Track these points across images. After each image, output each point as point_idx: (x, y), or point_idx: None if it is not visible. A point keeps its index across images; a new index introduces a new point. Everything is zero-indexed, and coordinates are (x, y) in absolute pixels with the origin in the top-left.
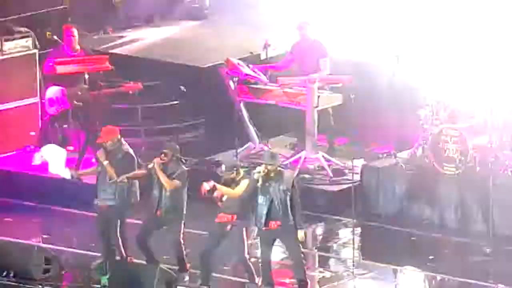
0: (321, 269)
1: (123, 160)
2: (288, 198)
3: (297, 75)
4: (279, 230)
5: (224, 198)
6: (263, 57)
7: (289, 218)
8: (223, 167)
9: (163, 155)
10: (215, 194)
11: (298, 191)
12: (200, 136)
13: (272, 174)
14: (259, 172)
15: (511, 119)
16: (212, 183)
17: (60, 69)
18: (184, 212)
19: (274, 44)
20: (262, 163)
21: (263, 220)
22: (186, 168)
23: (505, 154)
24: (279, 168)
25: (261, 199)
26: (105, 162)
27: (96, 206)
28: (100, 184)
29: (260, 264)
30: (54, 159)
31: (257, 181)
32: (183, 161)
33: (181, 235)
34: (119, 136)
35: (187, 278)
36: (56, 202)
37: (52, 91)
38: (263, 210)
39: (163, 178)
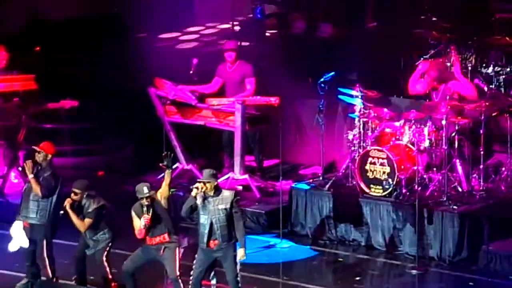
0: None
1: (48, 179)
2: (226, 218)
3: (224, 96)
4: (217, 249)
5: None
6: (191, 77)
7: (227, 237)
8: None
9: (73, 194)
10: (143, 223)
11: (239, 210)
12: (128, 156)
13: (211, 193)
14: (197, 188)
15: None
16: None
17: None
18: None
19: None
20: (200, 181)
21: (205, 239)
22: (101, 203)
23: (430, 176)
24: (218, 187)
25: (202, 218)
26: (31, 176)
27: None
28: (23, 201)
29: (190, 283)
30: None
31: (195, 198)
32: (94, 197)
33: (105, 255)
34: (50, 156)
35: None
36: None
37: None
38: (205, 229)
39: (74, 220)
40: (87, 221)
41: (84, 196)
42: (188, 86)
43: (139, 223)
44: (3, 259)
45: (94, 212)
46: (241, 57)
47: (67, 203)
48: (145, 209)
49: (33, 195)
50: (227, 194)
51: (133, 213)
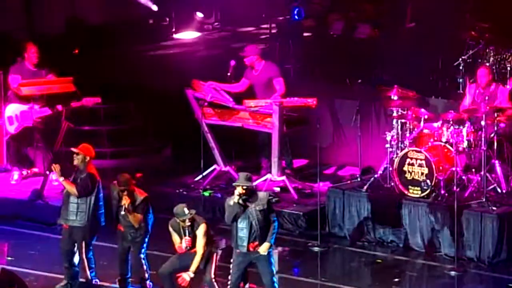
0: None
1: (84, 179)
2: (264, 219)
3: (254, 98)
4: (255, 251)
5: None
6: (229, 78)
7: (265, 238)
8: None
9: (126, 193)
10: (185, 245)
11: (273, 210)
12: (167, 158)
13: (247, 196)
14: (239, 195)
15: (472, 142)
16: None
17: (25, 90)
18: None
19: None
20: (238, 185)
21: (245, 243)
22: (144, 195)
23: (469, 177)
24: (253, 190)
25: (241, 222)
26: (61, 179)
27: (59, 226)
28: (63, 203)
29: (228, 286)
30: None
31: (238, 203)
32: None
33: (143, 252)
34: (88, 158)
35: None
36: (21, 223)
37: (12, 109)
38: (244, 233)
39: (133, 219)
40: (139, 215)
41: (130, 191)
42: (218, 83)
43: (177, 239)
44: (42, 260)
45: (142, 204)
46: (267, 58)
47: (126, 204)
48: (186, 230)
49: (72, 197)
50: (262, 195)
51: (171, 229)
